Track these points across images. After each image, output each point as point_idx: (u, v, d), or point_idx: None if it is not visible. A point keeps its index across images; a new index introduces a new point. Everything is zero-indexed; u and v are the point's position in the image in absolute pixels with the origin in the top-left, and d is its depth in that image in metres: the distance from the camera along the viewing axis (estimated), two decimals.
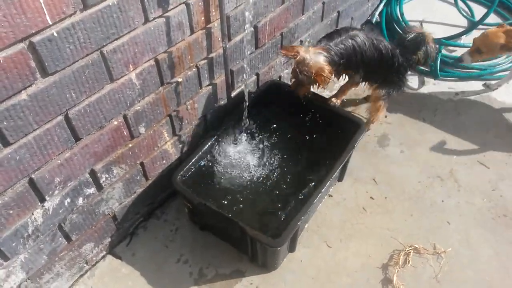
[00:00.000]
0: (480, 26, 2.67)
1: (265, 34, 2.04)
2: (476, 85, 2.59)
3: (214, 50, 1.78)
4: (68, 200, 1.52)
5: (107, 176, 1.62)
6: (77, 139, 1.43)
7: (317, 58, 1.80)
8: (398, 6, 2.99)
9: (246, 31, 1.87)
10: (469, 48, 2.29)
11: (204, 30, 1.67)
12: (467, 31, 2.72)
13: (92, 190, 1.60)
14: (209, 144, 1.91)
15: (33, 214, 1.42)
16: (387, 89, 2.11)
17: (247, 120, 2.07)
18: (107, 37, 1.32)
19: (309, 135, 2.10)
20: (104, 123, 1.50)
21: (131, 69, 1.47)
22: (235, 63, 1.95)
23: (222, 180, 1.92)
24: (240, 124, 2.05)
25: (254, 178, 1.94)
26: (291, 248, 1.81)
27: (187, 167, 1.80)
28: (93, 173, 1.56)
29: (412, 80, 2.65)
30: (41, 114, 1.27)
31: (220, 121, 2.04)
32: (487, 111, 2.45)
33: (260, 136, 2.10)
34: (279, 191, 1.88)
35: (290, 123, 2.16)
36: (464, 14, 2.99)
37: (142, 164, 1.77)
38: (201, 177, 1.88)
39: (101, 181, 1.61)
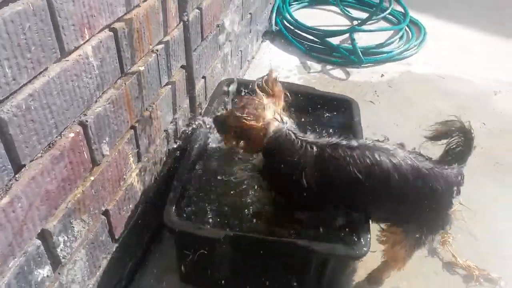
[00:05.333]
0: None
1: (208, 22, 1.62)
2: (394, 65, 2.63)
3: (169, 29, 1.28)
4: None
5: (65, 238, 0.91)
6: (18, 165, 0.74)
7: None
8: (287, 13, 2.91)
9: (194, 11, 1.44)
10: None
11: None
12: (370, 17, 2.73)
13: (46, 270, 0.86)
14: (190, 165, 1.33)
15: None
16: None
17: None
18: None
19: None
20: (56, 136, 0.84)
21: (87, 37, 0.88)
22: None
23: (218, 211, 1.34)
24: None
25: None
26: None
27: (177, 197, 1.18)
28: (44, 237, 0.85)
29: (337, 71, 2.54)
30: None
31: (186, 137, 1.49)
32: (416, 83, 2.47)
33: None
34: None
35: None
36: (349, 14, 3.09)
37: (106, 213, 1.09)
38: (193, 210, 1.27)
39: (59, 250, 0.89)
